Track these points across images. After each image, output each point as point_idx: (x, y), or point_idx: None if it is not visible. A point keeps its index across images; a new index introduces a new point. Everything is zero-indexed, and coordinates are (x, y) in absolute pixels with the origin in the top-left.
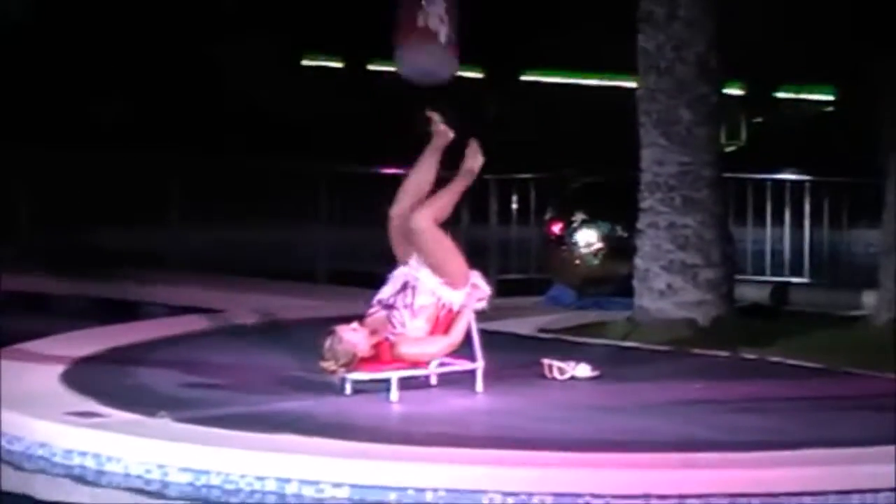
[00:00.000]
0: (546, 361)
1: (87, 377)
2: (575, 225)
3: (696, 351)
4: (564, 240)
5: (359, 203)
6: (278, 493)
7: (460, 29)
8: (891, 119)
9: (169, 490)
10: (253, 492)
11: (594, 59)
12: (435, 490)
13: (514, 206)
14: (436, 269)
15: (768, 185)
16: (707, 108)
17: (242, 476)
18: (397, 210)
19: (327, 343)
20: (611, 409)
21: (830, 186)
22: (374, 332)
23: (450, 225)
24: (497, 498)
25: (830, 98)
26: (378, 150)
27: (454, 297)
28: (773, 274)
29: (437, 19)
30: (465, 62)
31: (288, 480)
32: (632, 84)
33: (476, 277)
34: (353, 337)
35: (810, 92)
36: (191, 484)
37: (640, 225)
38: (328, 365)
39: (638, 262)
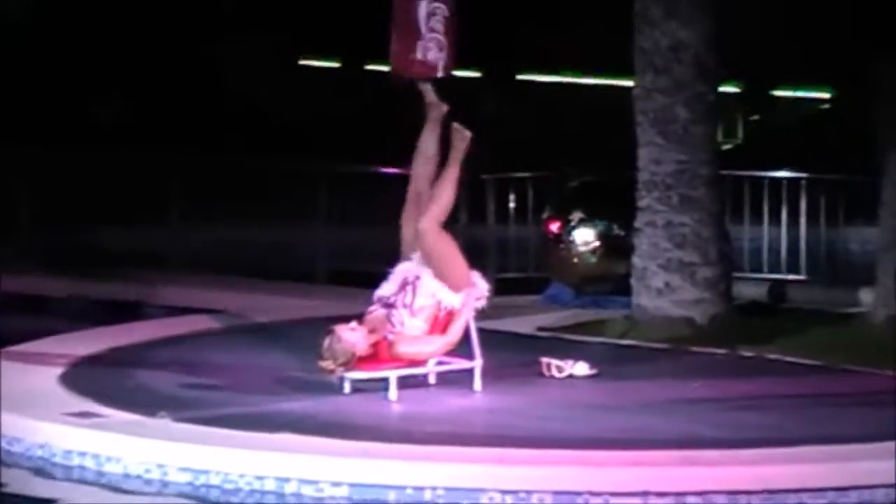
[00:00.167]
0: (544, 360)
1: (86, 378)
2: (573, 224)
3: (695, 349)
4: (562, 238)
5: (358, 203)
6: (277, 492)
7: (457, 35)
8: (887, 118)
9: (168, 490)
10: (252, 491)
11: (591, 58)
12: (434, 489)
13: (512, 205)
14: (438, 272)
15: (765, 183)
16: (704, 107)
17: (242, 476)
18: (414, 188)
19: (326, 342)
20: (609, 408)
21: (827, 184)
22: (372, 331)
23: (448, 224)
24: (496, 496)
25: (827, 96)
26: (377, 150)
27: (454, 300)
28: (771, 272)
29: (436, 49)
30: (462, 62)
31: (287, 480)
32: (629, 83)
33: (474, 276)
34: (351, 336)
35: (807, 90)
36: (190, 484)
37: (637, 223)
38: (327, 364)
39: (636, 260)
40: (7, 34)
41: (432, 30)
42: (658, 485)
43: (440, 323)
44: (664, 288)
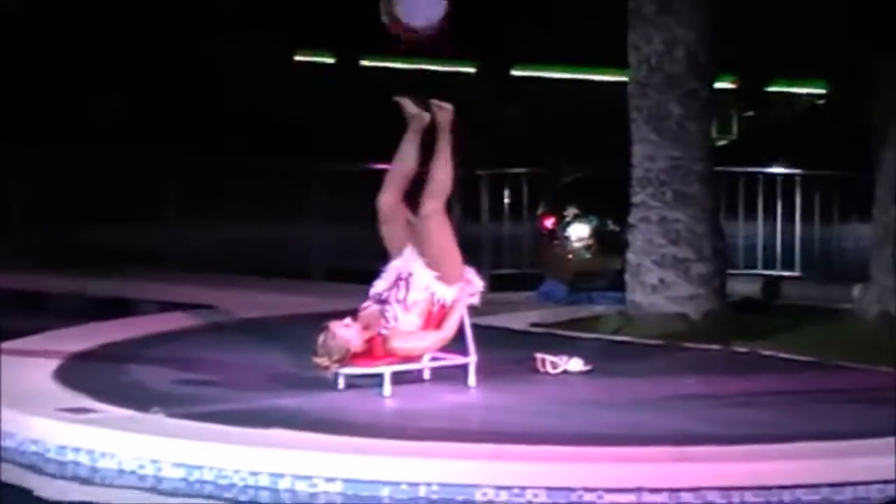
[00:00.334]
0: (539, 356)
1: (80, 373)
2: (567, 220)
3: (689, 345)
4: (556, 234)
5: (354, 199)
6: (271, 488)
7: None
8: (882, 114)
9: (162, 485)
10: (246, 487)
11: (586, 54)
12: (428, 484)
13: (506, 201)
14: (432, 260)
15: (760, 180)
16: (698, 103)
17: (236, 471)
18: (386, 198)
19: (320, 339)
20: (603, 404)
21: (821, 180)
22: (366, 327)
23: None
24: (490, 492)
25: (822, 92)
26: (373, 147)
27: (447, 293)
28: (765, 268)
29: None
30: (457, 57)
31: (281, 475)
32: (623, 79)
33: (469, 272)
34: (345, 333)
35: (802, 86)
36: (184, 479)
37: (631, 220)
38: (321, 361)
39: (630, 256)
40: (4, 32)
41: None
42: (652, 481)
43: (434, 318)
44: (658, 284)
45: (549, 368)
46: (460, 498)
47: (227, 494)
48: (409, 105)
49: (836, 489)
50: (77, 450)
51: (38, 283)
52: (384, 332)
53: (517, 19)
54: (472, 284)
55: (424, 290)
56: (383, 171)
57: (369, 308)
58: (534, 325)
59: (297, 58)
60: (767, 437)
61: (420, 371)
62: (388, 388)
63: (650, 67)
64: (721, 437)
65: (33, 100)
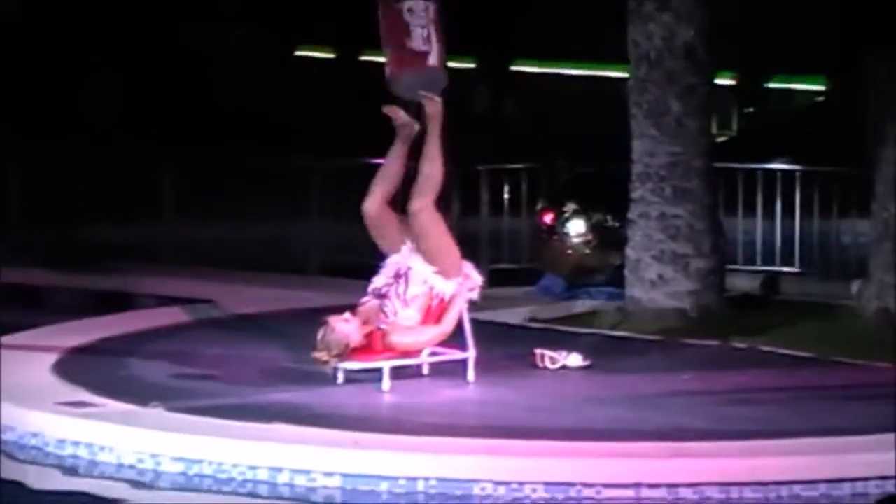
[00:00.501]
0: (538, 351)
1: (79, 367)
2: (566, 215)
3: (687, 341)
4: (556, 230)
5: (351, 195)
6: (270, 482)
7: (449, 24)
8: (880, 110)
9: (161, 479)
10: (245, 481)
11: (586, 50)
12: (426, 479)
13: (506, 196)
14: (429, 255)
15: (759, 175)
16: (697, 99)
17: (235, 465)
18: (370, 204)
19: (320, 333)
20: (602, 399)
21: (821, 176)
22: (366, 322)
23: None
24: (489, 487)
25: (821, 88)
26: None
27: (446, 287)
28: (764, 264)
29: (420, 40)
30: (457, 53)
31: (280, 470)
32: (623, 74)
33: (468, 268)
34: (345, 327)
35: (801, 82)
36: (183, 473)
37: (631, 215)
38: (321, 356)
39: (629, 252)
40: (0, 29)
41: (418, 25)
42: (650, 476)
43: (433, 313)
44: (657, 279)
45: (548, 364)
46: (458, 493)
47: (226, 488)
48: (398, 114)
49: (834, 485)
50: (76, 443)
51: (34, 277)
52: (383, 326)
53: (517, 14)
54: (471, 279)
55: (423, 284)
56: (380, 166)
57: (368, 303)
58: (532, 320)
59: (297, 52)
60: (766, 432)
61: (419, 366)
62: (387, 382)
63: (650, 63)
64: (720, 432)
65: (30, 96)
